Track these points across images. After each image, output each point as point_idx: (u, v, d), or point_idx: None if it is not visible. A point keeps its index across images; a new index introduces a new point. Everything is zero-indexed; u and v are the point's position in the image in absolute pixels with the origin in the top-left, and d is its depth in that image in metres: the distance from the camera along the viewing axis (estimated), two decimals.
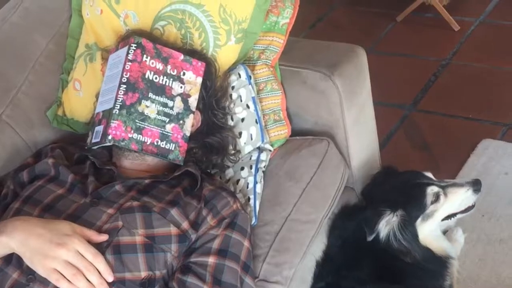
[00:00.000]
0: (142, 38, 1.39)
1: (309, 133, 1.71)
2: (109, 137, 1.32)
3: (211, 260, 1.31)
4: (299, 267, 1.52)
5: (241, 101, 1.60)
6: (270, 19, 1.66)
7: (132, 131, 1.34)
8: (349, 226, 1.67)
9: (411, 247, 1.61)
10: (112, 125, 1.32)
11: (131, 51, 1.36)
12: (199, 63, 1.43)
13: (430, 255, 1.65)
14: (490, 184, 2.16)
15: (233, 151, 1.56)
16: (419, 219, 1.63)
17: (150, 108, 1.36)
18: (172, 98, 1.39)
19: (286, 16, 1.67)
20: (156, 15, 1.60)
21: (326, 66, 1.64)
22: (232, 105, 1.60)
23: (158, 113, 1.37)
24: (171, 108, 1.39)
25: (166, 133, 1.38)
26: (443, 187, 1.67)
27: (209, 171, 1.57)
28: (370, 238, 1.58)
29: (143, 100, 1.35)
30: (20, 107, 1.60)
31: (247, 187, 1.54)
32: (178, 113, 1.40)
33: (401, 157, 2.33)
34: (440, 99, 2.67)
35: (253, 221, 1.50)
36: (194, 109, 1.42)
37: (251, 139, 1.60)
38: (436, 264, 1.67)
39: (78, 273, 1.15)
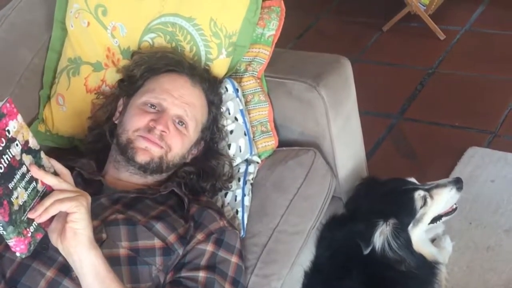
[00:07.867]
0: None
1: (296, 144, 1.71)
2: (18, 255, 1.16)
3: (201, 274, 1.31)
4: (287, 278, 1.52)
5: (229, 113, 1.60)
6: (256, 31, 1.66)
7: (28, 230, 1.17)
8: (337, 236, 1.67)
9: (405, 255, 1.61)
10: (11, 245, 1.15)
11: None
12: (3, 103, 1.09)
13: (423, 261, 1.66)
14: (477, 191, 2.16)
15: (225, 178, 1.54)
16: (411, 225, 1.64)
17: (19, 197, 1.15)
18: (20, 165, 1.15)
19: (272, 28, 1.67)
20: (145, 27, 1.60)
21: (311, 77, 1.65)
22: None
23: (25, 188, 1.16)
24: (27, 171, 1.17)
25: (44, 191, 1.20)
26: (427, 190, 1.69)
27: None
28: (366, 252, 1.57)
29: (8, 199, 1.13)
30: None
31: (235, 200, 1.54)
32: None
33: (388, 166, 2.33)
34: (427, 108, 2.68)
35: (241, 233, 1.50)
36: (38, 146, 1.20)
37: (240, 151, 1.60)
38: (427, 271, 1.68)
39: None
